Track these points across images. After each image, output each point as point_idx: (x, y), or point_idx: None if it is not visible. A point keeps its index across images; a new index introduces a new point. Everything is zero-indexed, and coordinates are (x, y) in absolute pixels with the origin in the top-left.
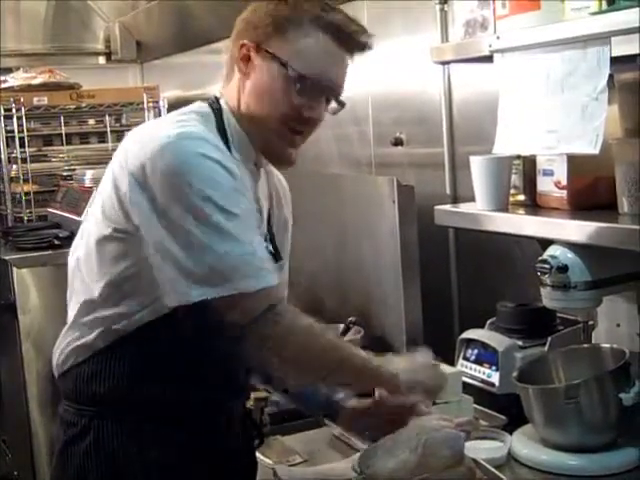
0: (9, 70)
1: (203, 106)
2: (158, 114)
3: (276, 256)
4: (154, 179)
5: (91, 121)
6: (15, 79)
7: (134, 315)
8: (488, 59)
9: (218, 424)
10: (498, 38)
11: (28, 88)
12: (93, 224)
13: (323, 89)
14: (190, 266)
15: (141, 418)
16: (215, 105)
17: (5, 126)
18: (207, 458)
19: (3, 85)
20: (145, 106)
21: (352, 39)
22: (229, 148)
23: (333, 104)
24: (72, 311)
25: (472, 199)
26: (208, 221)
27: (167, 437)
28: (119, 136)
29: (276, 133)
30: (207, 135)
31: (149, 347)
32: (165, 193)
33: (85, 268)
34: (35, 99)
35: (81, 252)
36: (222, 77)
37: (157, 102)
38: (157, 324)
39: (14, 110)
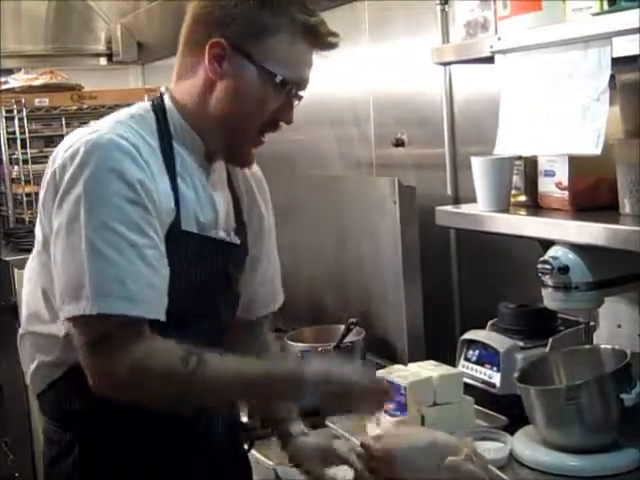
0: (10, 71)
1: (145, 106)
2: None
3: (244, 248)
4: (60, 183)
5: (92, 122)
6: (16, 80)
7: None
8: (489, 60)
9: (198, 429)
10: (499, 39)
11: (29, 89)
12: (38, 229)
13: (300, 93)
14: (61, 281)
15: (123, 429)
16: (157, 103)
17: (6, 127)
18: (192, 462)
19: (4, 86)
20: None
21: (325, 41)
22: (170, 145)
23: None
24: (23, 315)
25: (473, 200)
26: (81, 236)
27: (149, 445)
28: None
29: (249, 137)
30: (125, 140)
31: None
32: (60, 199)
33: (28, 276)
34: (36, 100)
35: (28, 263)
36: (174, 72)
37: None
38: None
39: (15, 111)
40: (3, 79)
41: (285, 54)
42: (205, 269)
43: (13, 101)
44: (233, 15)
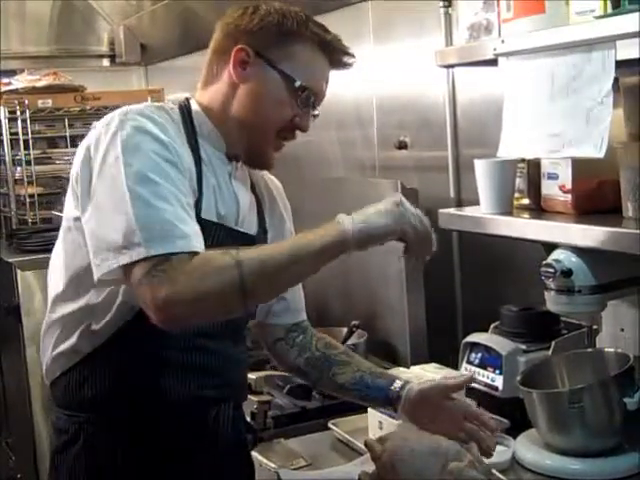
0: (13, 72)
1: (171, 106)
2: None
3: (258, 235)
4: (94, 152)
5: (95, 123)
6: (20, 81)
7: (102, 314)
8: (493, 62)
9: (206, 424)
10: (503, 42)
11: (33, 90)
12: (65, 211)
13: (316, 101)
14: (103, 233)
15: (130, 421)
16: (184, 104)
17: (10, 128)
18: (196, 458)
19: (8, 87)
20: None
21: (341, 59)
22: (195, 139)
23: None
24: (48, 308)
25: (476, 202)
26: (123, 186)
27: (155, 439)
28: None
29: (268, 141)
30: (155, 116)
31: (134, 349)
32: (100, 164)
33: (54, 263)
34: (39, 101)
35: (54, 250)
36: (200, 80)
37: None
38: (134, 324)
39: (18, 112)
40: (6, 80)
41: (305, 62)
42: None
43: (16, 102)
44: (259, 25)
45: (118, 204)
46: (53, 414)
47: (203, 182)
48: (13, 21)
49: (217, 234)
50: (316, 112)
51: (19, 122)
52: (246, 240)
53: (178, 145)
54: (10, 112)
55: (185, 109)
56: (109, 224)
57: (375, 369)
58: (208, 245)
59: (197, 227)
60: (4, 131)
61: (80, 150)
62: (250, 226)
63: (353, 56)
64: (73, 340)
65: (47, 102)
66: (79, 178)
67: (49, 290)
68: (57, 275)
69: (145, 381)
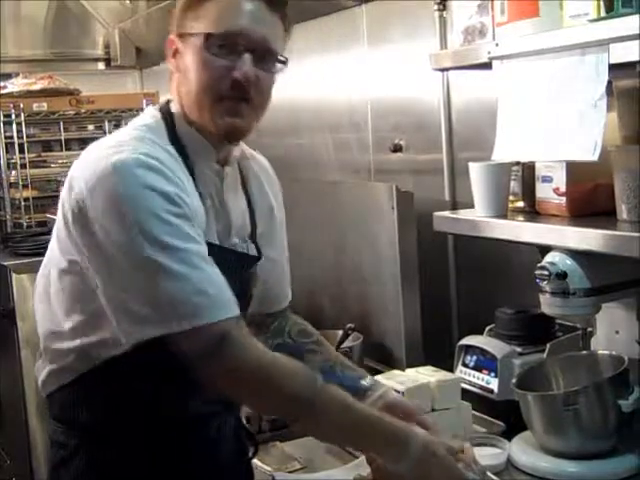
0: (9, 76)
1: (155, 115)
2: None
3: (258, 255)
4: (93, 212)
5: (90, 127)
6: (15, 85)
7: (108, 343)
8: (487, 66)
9: (208, 437)
10: (497, 45)
11: (28, 94)
12: (55, 250)
13: (237, 43)
14: (130, 305)
15: (131, 438)
16: (165, 110)
17: (4, 132)
18: (200, 472)
19: (3, 91)
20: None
21: None
22: (186, 155)
23: (273, 63)
24: (41, 330)
25: (471, 205)
26: (144, 257)
27: (157, 455)
28: None
29: (214, 109)
30: (153, 158)
31: (132, 367)
32: (102, 227)
33: (52, 298)
34: (34, 105)
35: (48, 277)
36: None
37: None
38: (137, 350)
39: (13, 116)
40: (2, 84)
41: (217, 10)
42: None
43: (11, 106)
44: (177, 9)
45: (140, 276)
46: (50, 426)
47: (204, 207)
48: (8, 24)
49: (223, 257)
50: (247, 50)
51: (14, 125)
52: (249, 261)
53: (181, 182)
54: (5, 115)
55: (168, 118)
56: (134, 295)
57: (344, 361)
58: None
59: (223, 282)
60: None
61: (66, 197)
62: (241, 236)
63: None
64: (69, 360)
65: (42, 105)
66: (76, 230)
67: (41, 319)
68: (57, 312)
69: (144, 399)
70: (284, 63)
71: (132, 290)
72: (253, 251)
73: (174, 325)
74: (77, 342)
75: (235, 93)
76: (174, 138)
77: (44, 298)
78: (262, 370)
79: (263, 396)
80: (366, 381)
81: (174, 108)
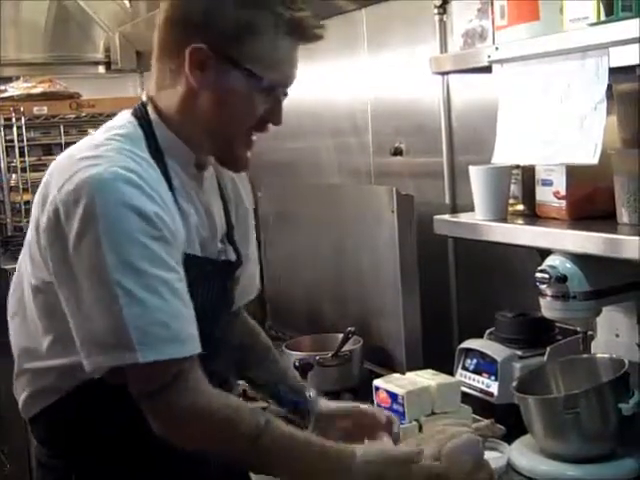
0: (9, 79)
1: (131, 121)
2: None
3: (237, 259)
4: (67, 227)
5: (91, 130)
6: (15, 89)
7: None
8: (487, 70)
9: (195, 457)
10: (497, 49)
11: (28, 97)
12: (28, 265)
13: (286, 92)
14: (90, 327)
15: (123, 459)
16: (141, 115)
17: (5, 135)
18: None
19: (3, 95)
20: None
21: (311, 34)
22: (164, 163)
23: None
24: (16, 347)
25: (471, 208)
26: (110, 279)
27: (153, 473)
28: None
29: (239, 143)
30: (132, 172)
31: (122, 388)
32: (74, 244)
33: (28, 312)
34: (35, 108)
35: (22, 290)
36: (153, 80)
37: None
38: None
39: (14, 119)
40: (2, 87)
41: (270, 54)
42: (208, 291)
43: (12, 109)
44: (213, 16)
45: (103, 299)
46: (35, 449)
47: (183, 216)
48: (9, 28)
49: (202, 268)
50: (287, 94)
51: (14, 129)
52: (231, 268)
53: (160, 198)
54: (5, 119)
55: (145, 123)
56: (96, 319)
57: (287, 379)
58: (197, 280)
59: (192, 316)
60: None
61: (40, 207)
62: (224, 235)
63: (322, 27)
64: (51, 380)
65: (42, 109)
66: (47, 247)
67: (16, 335)
68: (33, 331)
69: (134, 415)
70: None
71: (93, 311)
72: (232, 255)
73: (126, 356)
74: (57, 361)
75: (261, 132)
76: (153, 146)
77: (19, 311)
78: (209, 416)
79: (206, 440)
80: (308, 396)
81: (152, 113)
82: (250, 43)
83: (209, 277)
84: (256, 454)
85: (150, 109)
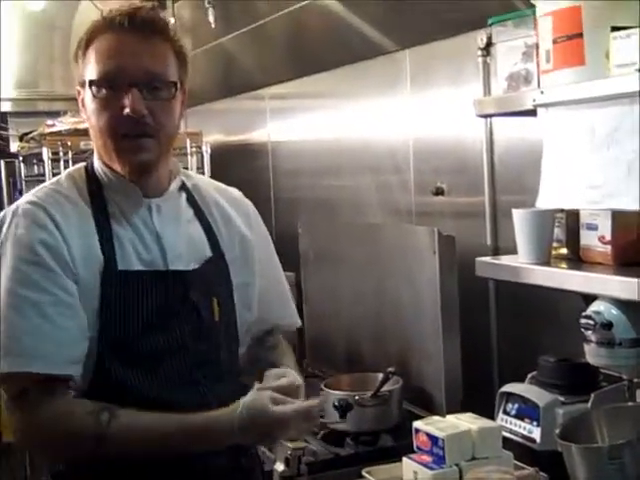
0: (57, 114)
1: (82, 164)
2: (201, 159)
3: (218, 276)
4: None
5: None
6: (63, 123)
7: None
8: (531, 113)
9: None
10: (542, 93)
11: (75, 132)
12: None
13: (119, 81)
14: None
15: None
16: (90, 161)
17: (52, 169)
18: None
19: (51, 129)
20: (188, 151)
21: (114, 19)
22: (102, 197)
23: (168, 90)
24: None
25: (513, 249)
26: None
27: None
28: None
29: (118, 148)
30: (38, 206)
31: (115, 396)
32: None
33: None
34: (82, 143)
35: None
36: None
37: (200, 147)
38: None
39: (61, 153)
40: (50, 122)
41: (94, 57)
42: (156, 303)
43: (59, 143)
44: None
45: None
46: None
47: (114, 239)
48: (58, 64)
49: (141, 280)
50: (132, 85)
51: (61, 163)
52: (180, 277)
53: (59, 229)
54: (53, 153)
55: (90, 164)
56: None
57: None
58: (138, 293)
59: (64, 338)
60: (47, 172)
61: None
62: (188, 260)
63: (142, 8)
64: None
65: (89, 144)
66: None
67: None
68: None
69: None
70: (172, 87)
71: None
72: (219, 264)
73: None
74: None
75: (135, 130)
76: (94, 183)
77: None
78: (49, 432)
79: (54, 452)
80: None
81: (95, 158)
82: (82, 61)
83: (153, 289)
84: (106, 450)
85: (95, 155)
